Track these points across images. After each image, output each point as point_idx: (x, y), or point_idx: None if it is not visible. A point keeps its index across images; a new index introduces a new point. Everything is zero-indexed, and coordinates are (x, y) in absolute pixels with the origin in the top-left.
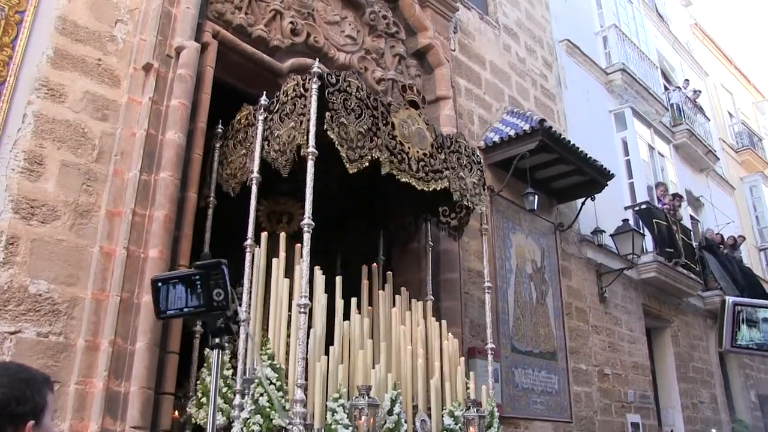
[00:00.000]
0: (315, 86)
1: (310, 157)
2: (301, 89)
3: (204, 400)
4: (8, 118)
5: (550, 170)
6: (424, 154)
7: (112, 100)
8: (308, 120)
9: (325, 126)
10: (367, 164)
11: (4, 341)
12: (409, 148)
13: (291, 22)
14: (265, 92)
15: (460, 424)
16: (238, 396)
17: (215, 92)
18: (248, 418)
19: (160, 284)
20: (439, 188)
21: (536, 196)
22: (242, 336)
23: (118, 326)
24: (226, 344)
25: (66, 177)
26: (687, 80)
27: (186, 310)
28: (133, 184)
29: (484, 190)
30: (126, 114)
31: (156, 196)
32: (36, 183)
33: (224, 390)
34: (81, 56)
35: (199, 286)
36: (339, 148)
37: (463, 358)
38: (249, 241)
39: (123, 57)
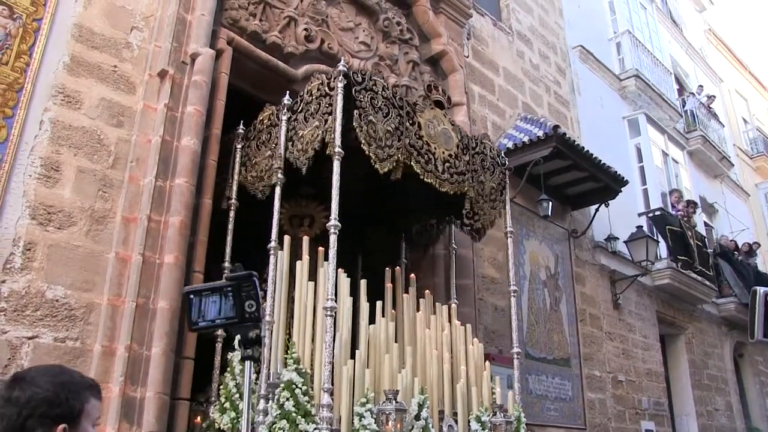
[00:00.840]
0: (341, 85)
1: (336, 156)
2: (326, 88)
3: (227, 405)
4: (25, 124)
5: (563, 177)
6: (450, 155)
7: (127, 107)
8: (334, 118)
9: (354, 123)
10: (396, 164)
11: (21, 346)
12: (435, 148)
13: (305, 29)
14: (288, 92)
15: (487, 430)
16: (262, 401)
17: (229, 98)
18: (274, 423)
19: (192, 296)
20: (460, 192)
21: (550, 203)
22: (266, 339)
23: (134, 332)
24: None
25: (82, 183)
26: (701, 86)
27: (218, 321)
28: (149, 190)
29: (503, 194)
30: (141, 120)
31: (171, 202)
32: (52, 189)
33: None
34: (97, 63)
35: (231, 298)
36: (366, 147)
37: (488, 363)
38: (273, 244)
39: (138, 64)
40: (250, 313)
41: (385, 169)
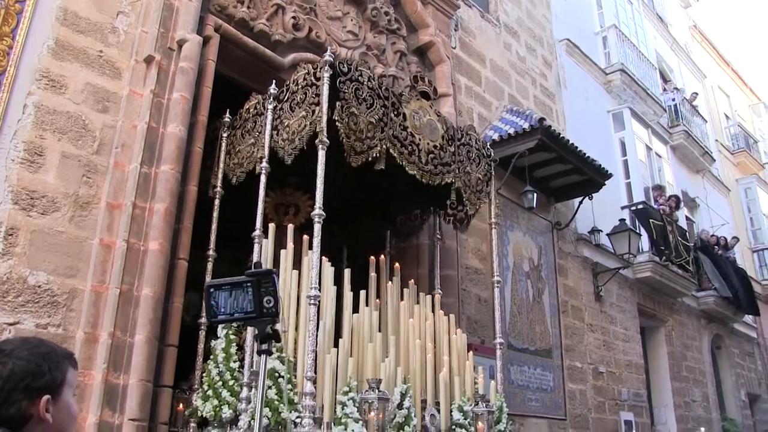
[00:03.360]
0: (327, 75)
1: (321, 146)
2: (312, 78)
3: (210, 392)
4: (8, 108)
5: (548, 169)
6: (435, 146)
7: (113, 92)
8: (320, 109)
9: (335, 116)
10: (375, 156)
11: (2, 332)
12: (420, 139)
13: (293, 17)
14: (274, 81)
15: (469, 419)
16: (245, 389)
17: (216, 86)
18: None
19: (212, 290)
20: (444, 183)
21: (534, 195)
22: (250, 328)
23: (118, 319)
24: (273, 350)
25: (66, 168)
26: (676, 88)
27: (236, 315)
28: (134, 176)
29: (489, 185)
30: (127, 106)
31: (157, 188)
32: (36, 174)
33: (231, 383)
34: (82, 47)
35: (250, 293)
36: (345, 139)
37: (471, 353)
38: (257, 232)
39: (124, 49)
40: (268, 308)
41: (358, 164)
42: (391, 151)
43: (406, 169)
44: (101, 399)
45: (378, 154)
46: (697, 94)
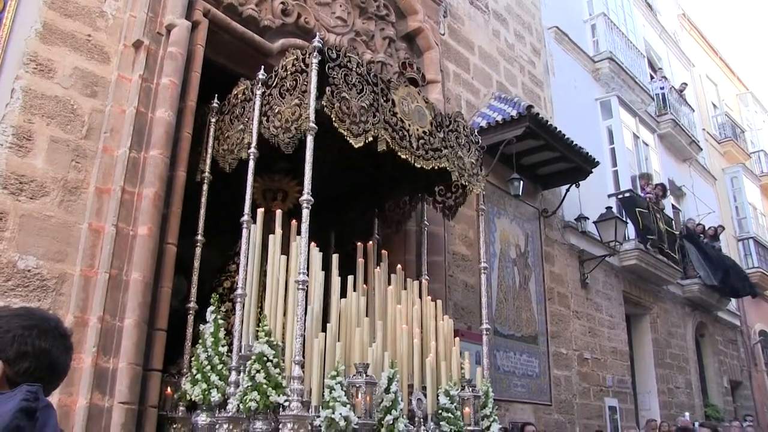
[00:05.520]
0: (315, 61)
1: (309, 132)
2: (301, 64)
3: (199, 376)
4: None
5: (535, 156)
6: (424, 132)
7: (101, 77)
8: (308, 94)
9: (325, 101)
10: (371, 139)
11: None
12: (409, 125)
13: (282, 3)
14: (263, 67)
15: (455, 404)
16: (234, 373)
17: (204, 71)
18: (245, 395)
19: None
20: (438, 167)
21: (521, 182)
22: (238, 312)
23: (107, 303)
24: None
25: (55, 153)
26: (664, 77)
27: None
28: (123, 161)
29: (481, 170)
30: (116, 91)
31: (145, 173)
32: (24, 159)
33: (219, 367)
34: (70, 31)
35: None
36: (339, 123)
37: (458, 339)
38: (246, 217)
39: (113, 33)
40: None
41: (360, 144)
42: (384, 135)
43: (399, 153)
44: (91, 382)
45: (374, 137)
46: (686, 84)
